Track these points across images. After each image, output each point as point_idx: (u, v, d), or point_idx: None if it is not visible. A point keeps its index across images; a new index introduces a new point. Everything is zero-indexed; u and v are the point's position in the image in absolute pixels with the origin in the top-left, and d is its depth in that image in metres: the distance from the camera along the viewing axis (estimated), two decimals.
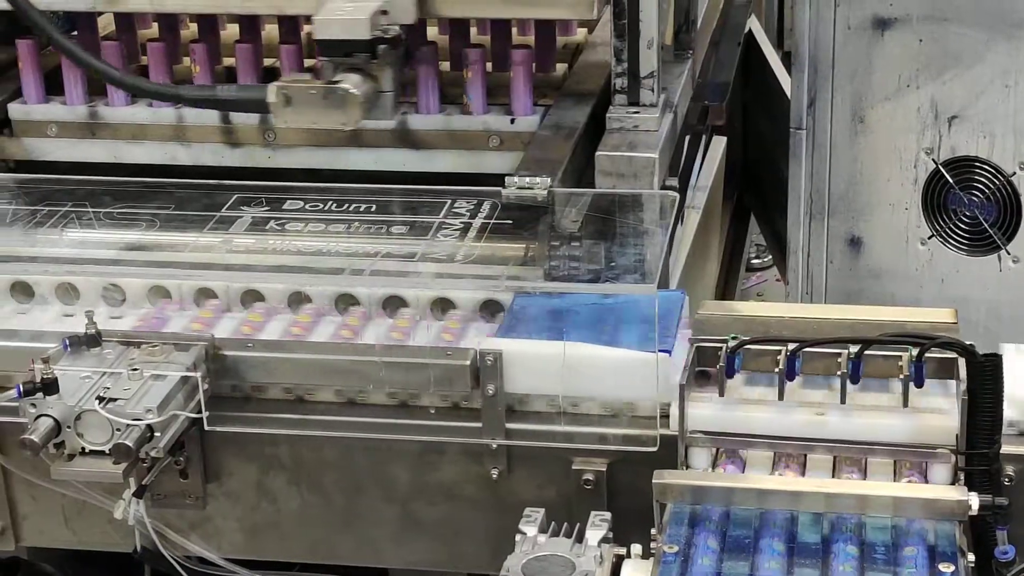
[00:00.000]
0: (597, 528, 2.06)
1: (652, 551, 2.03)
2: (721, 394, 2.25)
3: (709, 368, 2.27)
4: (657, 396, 2.28)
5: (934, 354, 2.21)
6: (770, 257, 5.53)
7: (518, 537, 2.06)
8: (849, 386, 2.22)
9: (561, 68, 3.30)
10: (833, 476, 2.17)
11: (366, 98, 2.70)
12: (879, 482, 2.13)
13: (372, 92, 2.72)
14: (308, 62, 3.22)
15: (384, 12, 2.74)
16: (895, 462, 2.19)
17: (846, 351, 2.22)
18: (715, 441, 2.22)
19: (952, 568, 1.94)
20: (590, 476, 2.33)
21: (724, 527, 2.05)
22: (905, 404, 2.20)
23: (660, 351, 2.28)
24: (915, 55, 3.16)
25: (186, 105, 3.10)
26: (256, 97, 2.75)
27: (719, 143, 4.02)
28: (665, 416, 2.28)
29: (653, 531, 2.06)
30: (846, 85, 3.22)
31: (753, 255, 5.68)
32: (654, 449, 2.27)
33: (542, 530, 2.07)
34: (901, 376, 2.20)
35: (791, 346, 2.23)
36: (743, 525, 2.05)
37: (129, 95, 3.19)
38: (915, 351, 2.20)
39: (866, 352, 2.22)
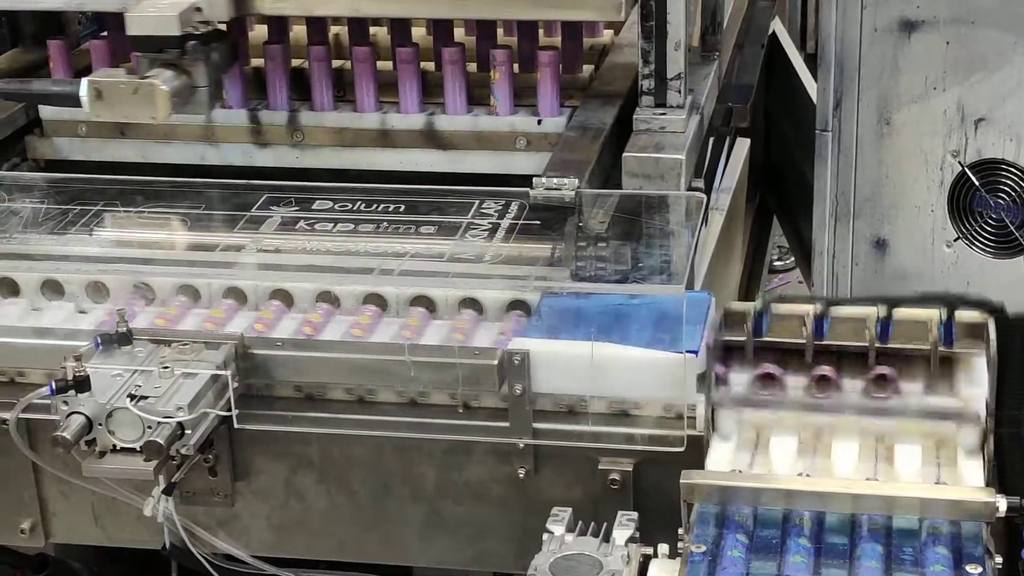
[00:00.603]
0: (624, 528, 2.07)
1: (679, 551, 2.03)
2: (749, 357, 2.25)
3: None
4: (684, 396, 2.29)
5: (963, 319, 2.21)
6: (792, 259, 5.53)
7: (545, 536, 2.06)
8: None
9: (588, 69, 3.31)
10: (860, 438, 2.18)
11: (176, 93, 2.75)
12: (906, 483, 2.13)
13: (184, 87, 2.78)
14: (336, 63, 3.24)
15: (198, 9, 2.79)
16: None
17: (875, 311, 2.21)
18: (742, 403, 2.22)
19: (979, 569, 1.94)
20: (616, 476, 2.34)
21: (751, 527, 2.05)
22: (935, 366, 2.20)
23: (687, 352, 2.29)
24: (942, 57, 3.16)
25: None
26: (68, 91, 2.80)
27: (743, 145, 4.02)
28: (692, 417, 2.29)
29: (680, 531, 2.06)
30: (872, 87, 3.21)
31: (775, 257, 5.68)
32: (681, 449, 2.28)
33: (569, 529, 2.08)
34: (930, 338, 2.19)
35: (819, 307, 2.23)
36: (770, 525, 2.05)
37: None
38: (944, 312, 2.20)
39: (894, 315, 2.21)
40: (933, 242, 3.30)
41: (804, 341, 2.23)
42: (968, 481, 2.12)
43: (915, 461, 2.16)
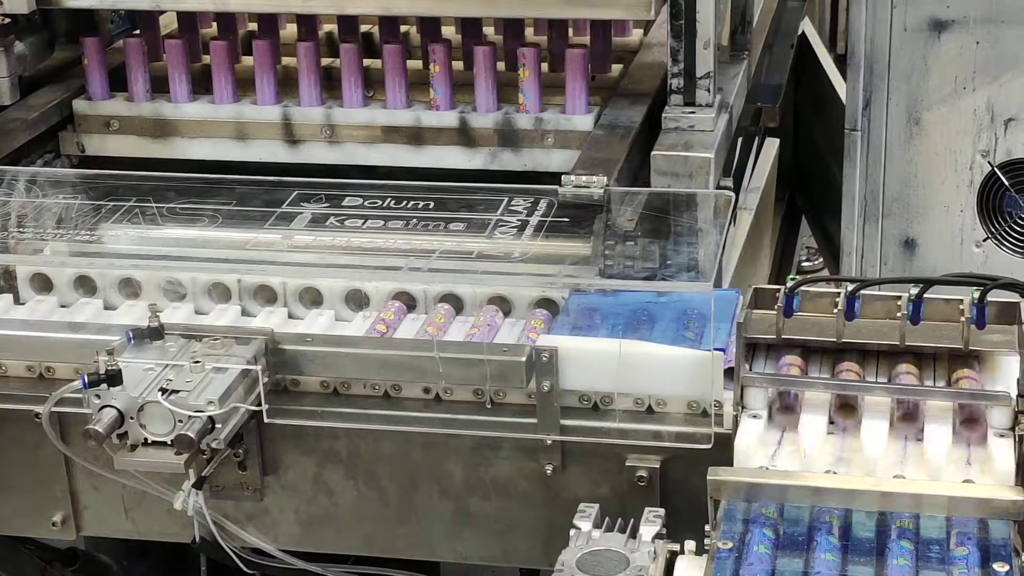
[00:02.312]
0: (651, 524, 2.07)
1: (706, 547, 2.04)
2: (778, 336, 2.25)
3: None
4: (712, 394, 2.29)
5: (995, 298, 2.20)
6: (820, 260, 5.52)
7: (572, 532, 2.07)
8: None
9: (616, 68, 3.32)
10: (891, 423, 2.18)
11: None
12: (934, 481, 2.13)
13: None
14: (366, 61, 3.26)
15: None
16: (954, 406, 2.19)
17: (907, 292, 2.22)
18: (771, 381, 2.22)
19: (1007, 568, 1.93)
20: (643, 473, 2.34)
21: (778, 524, 2.05)
22: (966, 348, 2.20)
23: (715, 349, 2.29)
24: (971, 57, 3.16)
25: None
26: None
27: (772, 145, 4.02)
28: (719, 414, 2.29)
29: (707, 527, 2.07)
30: (902, 87, 3.22)
31: (803, 257, 5.68)
32: (708, 447, 2.28)
33: (596, 525, 2.08)
34: (962, 318, 2.20)
35: (850, 286, 2.23)
36: (797, 522, 2.05)
37: (191, 91, 3.25)
38: (976, 293, 2.19)
39: (926, 295, 2.21)
40: (962, 242, 3.30)
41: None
42: (998, 461, 2.12)
43: (944, 441, 2.15)
